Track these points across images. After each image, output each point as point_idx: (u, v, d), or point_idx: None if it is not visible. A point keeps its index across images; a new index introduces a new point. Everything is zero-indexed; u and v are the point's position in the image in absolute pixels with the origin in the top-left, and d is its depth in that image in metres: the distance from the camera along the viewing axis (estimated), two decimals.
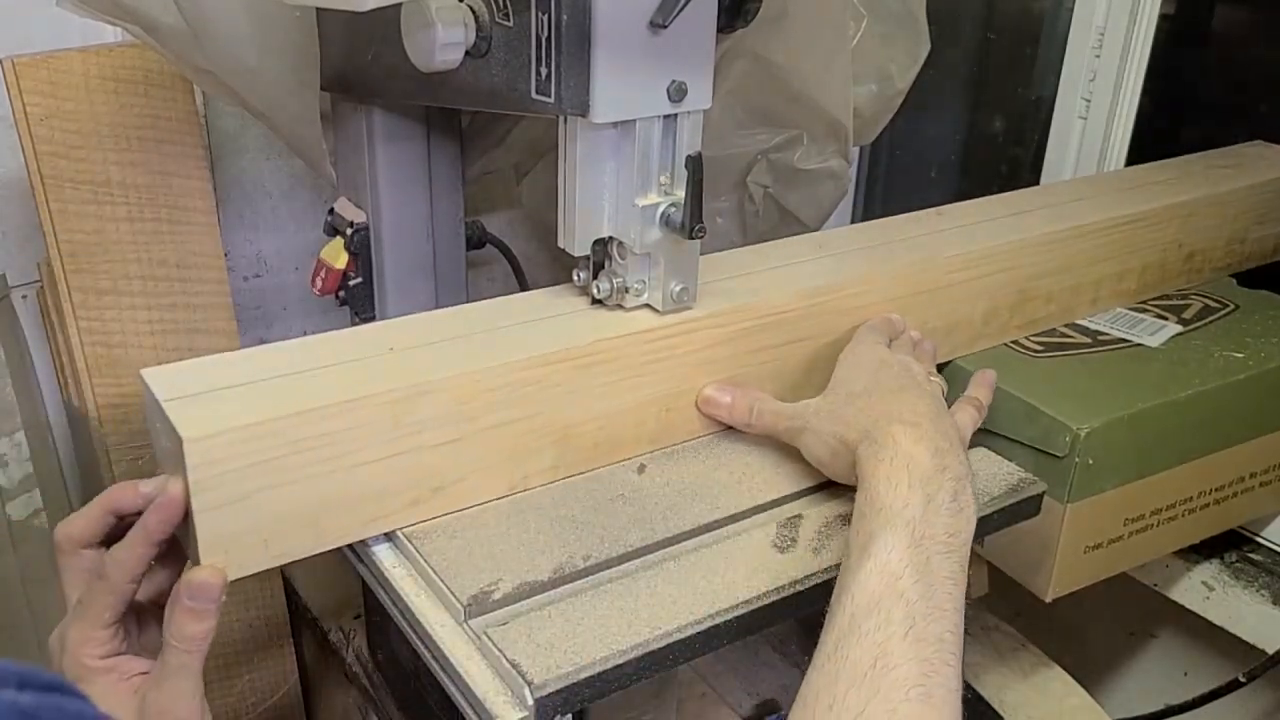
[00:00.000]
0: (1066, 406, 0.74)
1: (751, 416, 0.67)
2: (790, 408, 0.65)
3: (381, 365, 0.58)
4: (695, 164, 0.60)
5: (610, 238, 0.65)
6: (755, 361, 0.69)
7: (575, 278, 0.68)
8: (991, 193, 0.88)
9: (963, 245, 0.78)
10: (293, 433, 0.53)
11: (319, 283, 0.85)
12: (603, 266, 0.66)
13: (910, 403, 0.59)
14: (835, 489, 0.65)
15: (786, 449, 0.68)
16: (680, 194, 0.62)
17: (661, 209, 0.63)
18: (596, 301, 0.67)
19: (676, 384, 0.67)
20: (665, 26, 0.56)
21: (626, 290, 0.65)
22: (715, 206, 0.92)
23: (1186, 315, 0.88)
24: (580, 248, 0.64)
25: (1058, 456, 0.72)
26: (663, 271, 0.65)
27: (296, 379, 0.56)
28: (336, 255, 0.84)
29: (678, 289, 0.65)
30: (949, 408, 0.65)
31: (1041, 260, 0.81)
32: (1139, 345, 0.83)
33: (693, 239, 0.62)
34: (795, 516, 0.63)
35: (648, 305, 0.67)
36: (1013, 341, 0.82)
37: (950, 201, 0.86)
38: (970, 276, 0.78)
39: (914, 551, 0.51)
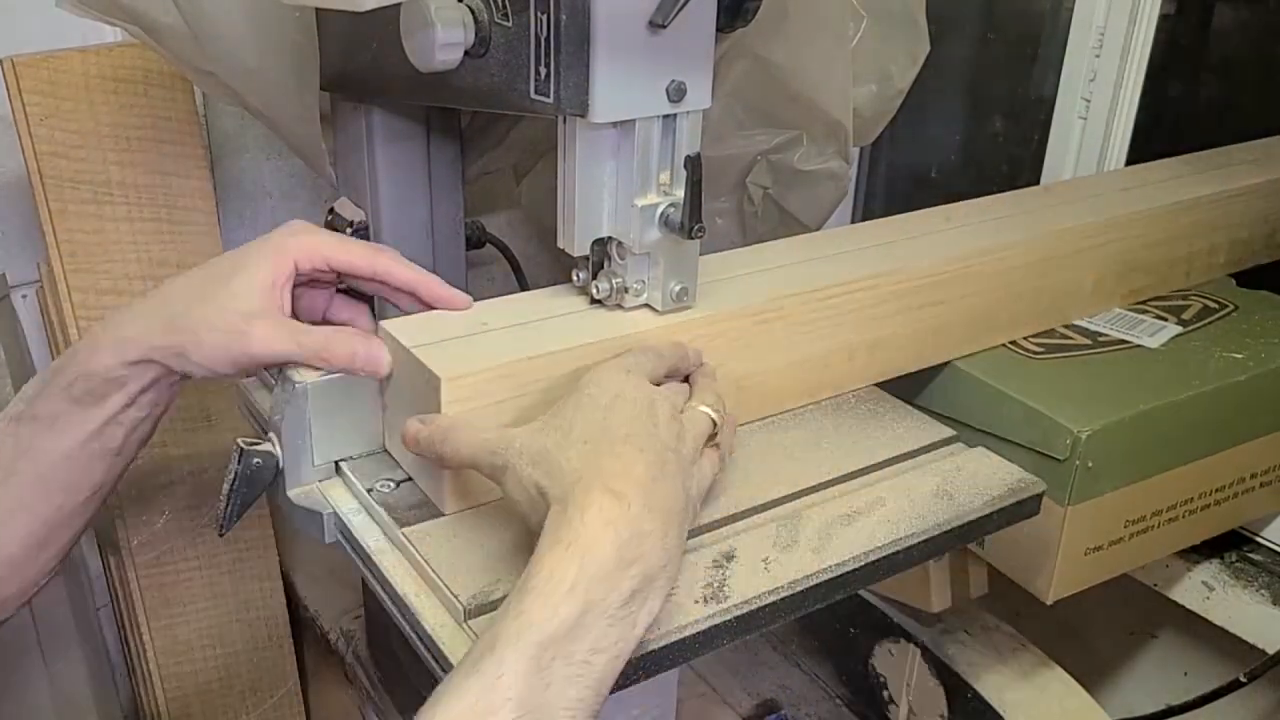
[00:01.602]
0: (1067, 409, 0.74)
1: (445, 447, 0.56)
2: (496, 438, 0.54)
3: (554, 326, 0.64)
4: (694, 164, 0.60)
5: (609, 238, 0.65)
6: (904, 322, 0.74)
7: (574, 278, 0.68)
8: (991, 193, 0.88)
9: (1076, 218, 0.83)
10: (521, 375, 0.60)
11: None
12: (602, 267, 0.66)
13: (626, 461, 0.50)
14: (836, 487, 0.65)
15: (785, 449, 0.68)
16: (679, 194, 0.62)
17: (661, 209, 0.63)
18: (595, 301, 0.67)
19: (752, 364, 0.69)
20: (664, 26, 0.56)
21: (626, 290, 0.65)
22: (715, 208, 0.92)
23: (1186, 316, 0.88)
24: (579, 248, 0.64)
25: (1058, 459, 0.72)
26: (662, 271, 0.65)
27: (502, 333, 0.63)
28: None
29: (677, 289, 0.65)
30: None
31: (1146, 233, 0.86)
32: (1139, 346, 0.83)
33: (692, 239, 0.62)
34: (794, 515, 0.63)
35: (647, 305, 0.66)
36: (1012, 343, 0.82)
37: (949, 200, 0.86)
38: (1084, 247, 0.83)
39: (530, 679, 0.44)
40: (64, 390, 0.63)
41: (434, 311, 0.65)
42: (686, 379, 0.63)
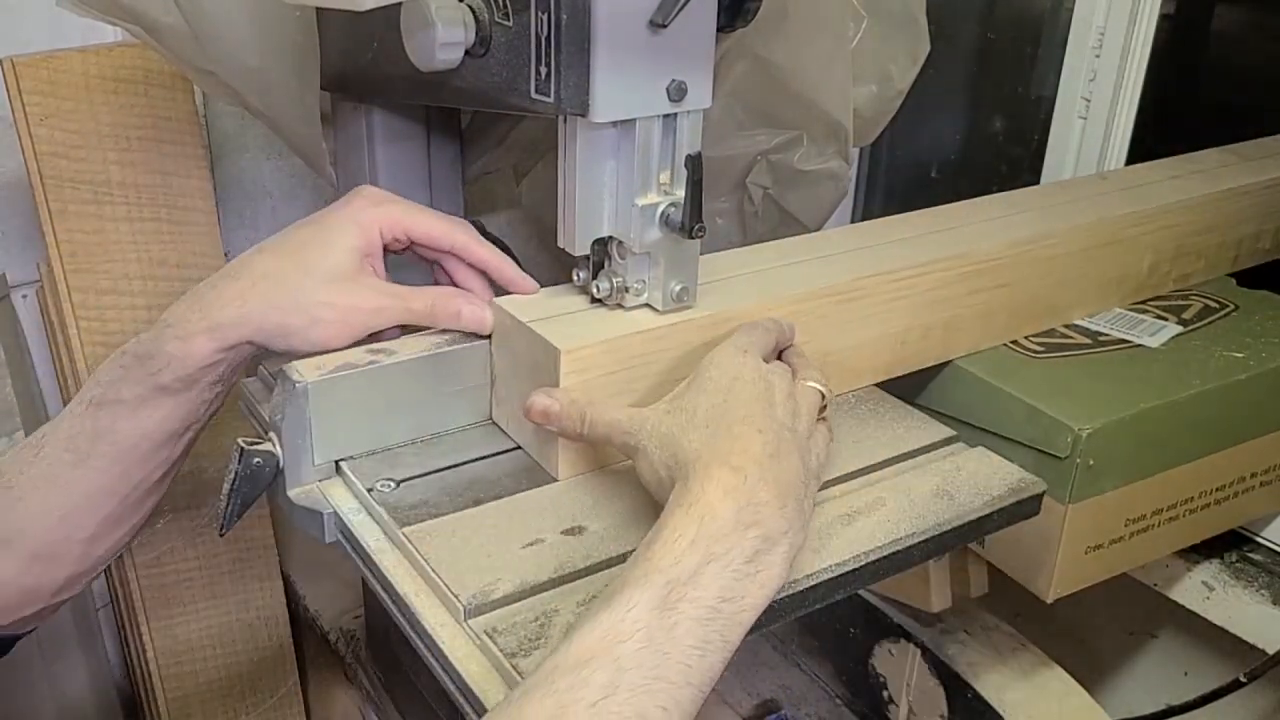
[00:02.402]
0: (1067, 407, 0.74)
1: (584, 426, 0.59)
2: (629, 420, 0.57)
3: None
4: (695, 163, 0.60)
5: (610, 237, 0.65)
6: (967, 304, 0.78)
7: (575, 277, 0.68)
8: (990, 193, 0.88)
9: (1135, 203, 0.86)
10: (623, 350, 0.63)
11: None
12: (602, 266, 0.66)
13: (744, 441, 0.53)
14: (836, 487, 0.65)
15: None
16: (680, 194, 0.62)
17: (661, 209, 0.63)
18: (596, 301, 0.67)
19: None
20: (665, 26, 0.56)
21: (626, 290, 0.65)
22: (715, 207, 0.92)
23: (1186, 316, 0.89)
24: (580, 247, 0.64)
25: (1059, 457, 0.72)
26: (662, 271, 0.65)
27: (592, 314, 0.66)
28: None
29: (677, 288, 0.65)
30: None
31: (1198, 219, 0.89)
32: (1139, 346, 0.83)
33: (692, 239, 0.62)
34: None
35: (647, 305, 0.66)
36: (1013, 342, 0.82)
37: (950, 200, 0.86)
38: (1143, 231, 0.86)
39: (659, 615, 0.46)
40: (150, 377, 0.62)
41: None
42: (780, 355, 0.65)
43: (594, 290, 0.66)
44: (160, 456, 0.66)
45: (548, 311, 0.66)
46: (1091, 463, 0.72)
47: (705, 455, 0.53)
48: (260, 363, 0.73)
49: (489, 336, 0.67)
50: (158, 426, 0.64)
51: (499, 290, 0.69)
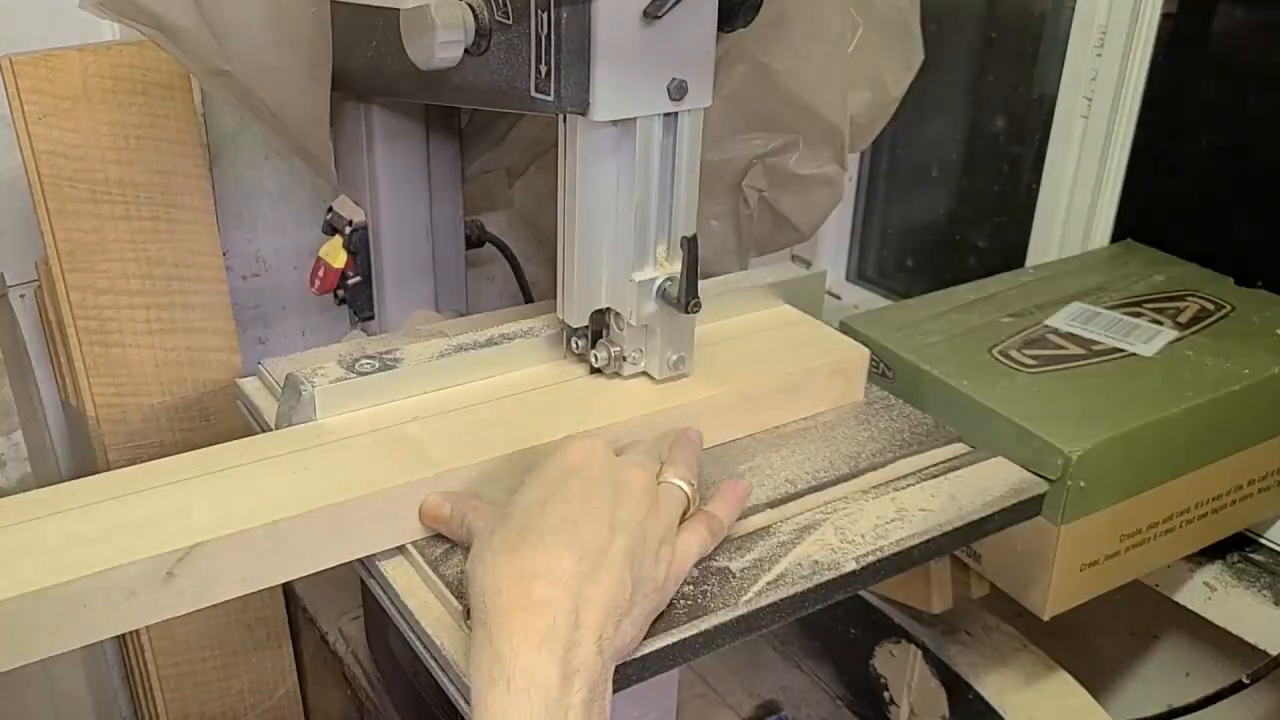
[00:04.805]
0: (1058, 428, 0.73)
1: (462, 530, 0.55)
2: (483, 523, 0.53)
3: None
4: (691, 244, 0.61)
5: (608, 309, 0.66)
6: None
7: (574, 346, 0.69)
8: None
9: None
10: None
11: (317, 281, 0.85)
12: (600, 336, 0.68)
13: (553, 558, 0.47)
14: (837, 487, 0.65)
15: (785, 449, 0.68)
16: (676, 268, 0.63)
17: (658, 283, 0.64)
18: (595, 370, 0.68)
19: None
20: (659, 17, 0.56)
21: (624, 359, 0.67)
22: (710, 210, 0.92)
23: (1182, 319, 0.88)
24: (578, 319, 0.66)
25: (1050, 479, 0.71)
26: (659, 341, 0.66)
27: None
28: (335, 254, 0.84)
29: (674, 358, 0.67)
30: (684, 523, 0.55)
31: None
32: (1132, 355, 0.82)
33: (688, 314, 0.63)
34: (794, 515, 0.62)
35: (644, 373, 0.68)
36: (1004, 355, 0.82)
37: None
38: None
39: None
40: None
41: None
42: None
43: (592, 359, 0.68)
44: None
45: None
46: (1083, 484, 0.72)
47: (506, 583, 0.47)
48: (260, 362, 0.73)
49: None
50: None
51: None
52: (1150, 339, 0.84)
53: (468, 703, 0.51)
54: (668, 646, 0.53)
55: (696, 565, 0.56)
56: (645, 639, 0.52)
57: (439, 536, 0.59)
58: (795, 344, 0.75)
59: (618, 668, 0.50)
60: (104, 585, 0.49)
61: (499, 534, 0.50)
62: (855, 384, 0.74)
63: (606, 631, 0.47)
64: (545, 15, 0.56)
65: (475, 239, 0.93)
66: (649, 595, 0.51)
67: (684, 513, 0.56)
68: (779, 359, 0.72)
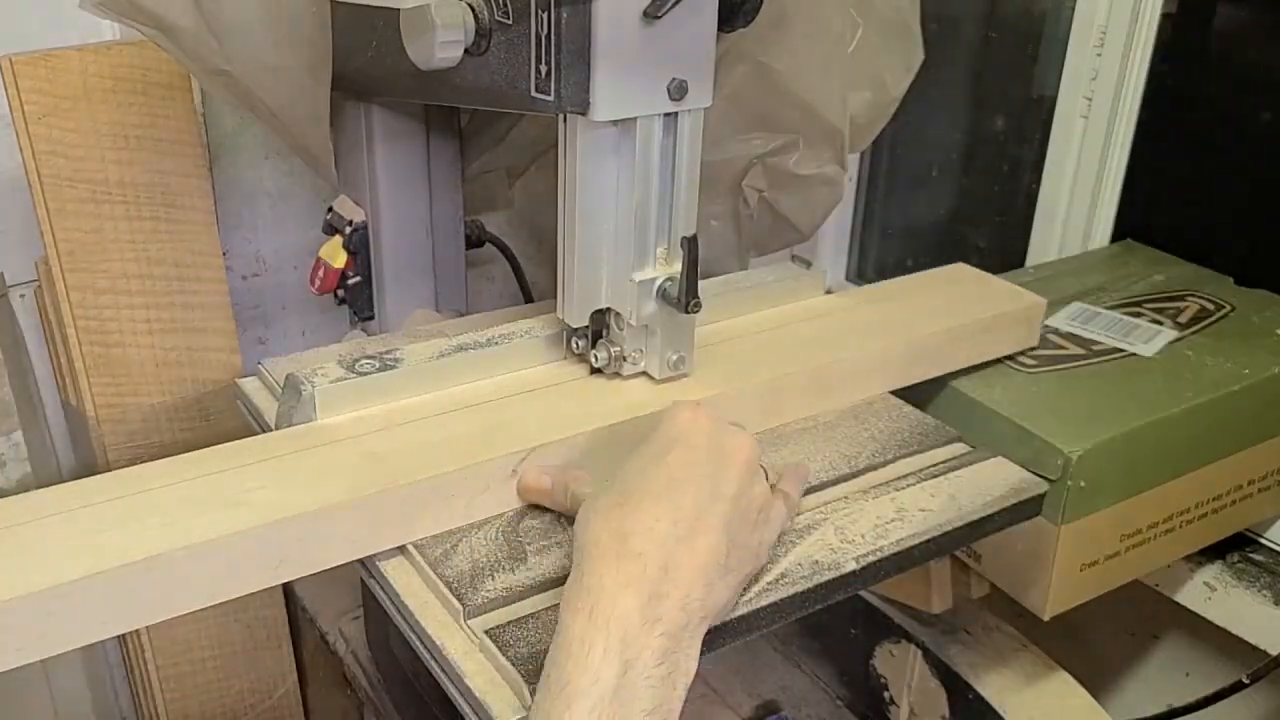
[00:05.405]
0: (1058, 428, 0.73)
1: (566, 499, 0.58)
2: (595, 483, 0.56)
3: None
4: (691, 244, 0.61)
5: (608, 308, 0.66)
6: None
7: (574, 346, 0.69)
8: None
9: None
10: None
11: (317, 281, 0.85)
12: (600, 336, 0.68)
13: (651, 518, 0.49)
14: (838, 487, 0.65)
15: (786, 449, 0.68)
16: (676, 268, 0.63)
17: (658, 284, 0.64)
18: (595, 370, 0.68)
19: None
20: (659, 17, 0.56)
21: (624, 359, 0.67)
22: (710, 210, 0.92)
23: (1182, 319, 0.88)
24: (578, 319, 0.66)
25: (1050, 479, 0.71)
26: (659, 341, 0.66)
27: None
28: (335, 254, 0.84)
29: (674, 358, 0.67)
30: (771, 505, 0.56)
31: None
32: (1133, 355, 0.82)
33: (689, 314, 0.63)
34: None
35: (644, 373, 0.68)
36: (1008, 358, 0.82)
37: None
38: None
39: None
40: None
41: None
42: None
43: (592, 359, 0.68)
44: None
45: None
46: (1083, 484, 0.72)
47: (605, 537, 0.49)
48: (260, 362, 0.73)
49: None
50: None
51: None
52: (1150, 339, 0.84)
53: (467, 701, 0.51)
54: None
55: None
56: None
57: (439, 537, 0.59)
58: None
59: None
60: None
61: (604, 496, 0.52)
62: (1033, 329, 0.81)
63: (695, 591, 0.48)
64: (545, 15, 0.56)
65: (475, 239, 0.93)
66: (745, 561, 0.53)
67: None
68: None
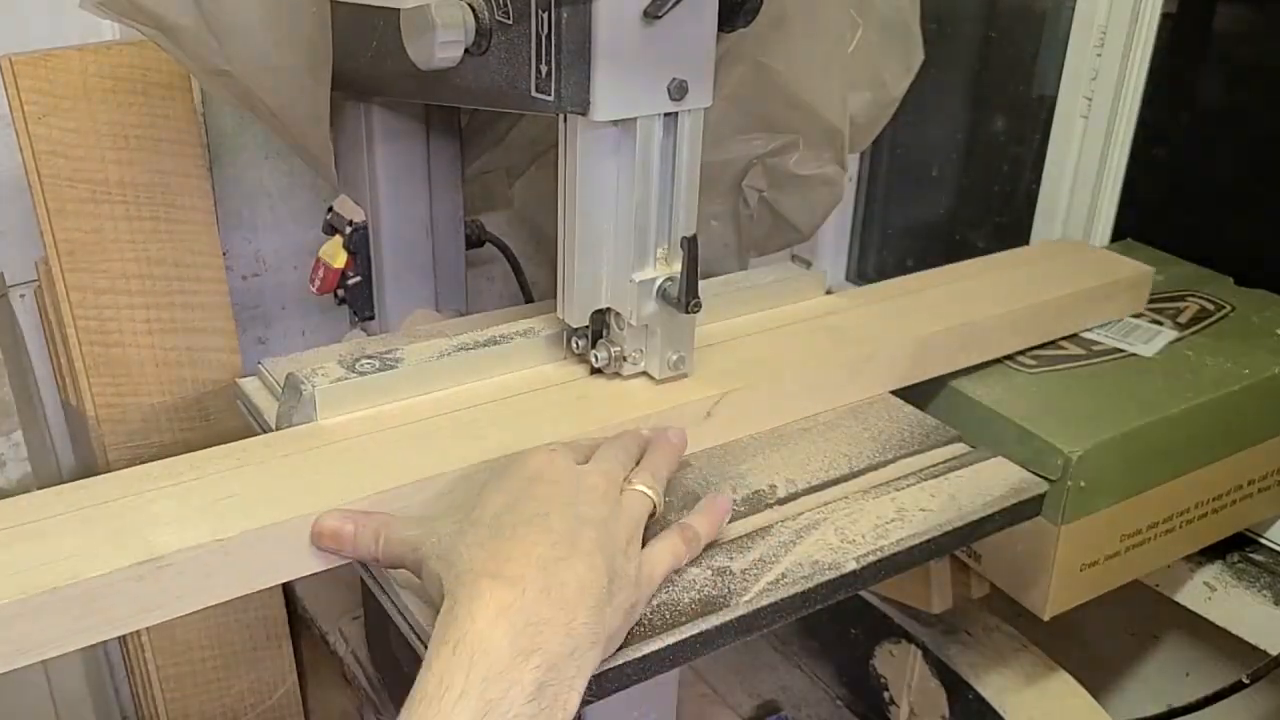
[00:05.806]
0: (1058, 429, 0.73)
1: (378, 548, 0.53)
2: (417, 534, 0.52)
3: None
4: (691, 244, 0.61)
5: (608, 309, 0.66)
6: None
7: (574, 346, 0.69)
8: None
9: None
10: None
11: (317, 281, 0.85)
12: (601, 336, 0.68)
13: (527, 544, 0.47)
14: (838, 487, 0.65)
15: (786, 449, 0.68)
16: (676, 268, 0.63)
17: (658, 284, 0.64)
18: (595, 370, 0.68)
19: None
20: (659, 17, 0.56)
21: (624, 359, 0.67)
22: (710, 211, 0.92)
23: (1182, 319, 0.88)
24: (579, 319, 0.66)
25: (1050, 479, 0.71)
26: (660, 341, 0.66)
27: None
28: (335, 254, 0.84)
29: (674, 358, 0.67)
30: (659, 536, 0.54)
31: None
32: (1133, 355, 0.82)
33: (688, 314, 0.63)
34: (794, 515, 0.62)
35: (644, 373, 0.68)
36: (1008, 358, 0.82)
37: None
38: None
39: None
40: None
41: None
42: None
43: (593, 359, 0.68)
44: None
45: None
46: (1083, 484, 0.72)
47: (477, 565, 0.46)
48: (260, 362, 0.73)
49: None
50: None
51: None
52: (1150, 339, 0.84)
53: None
54: (668, 646, 0.53)
55: (677, 572, 0.55)
56: (645, 639, 0.52)
57: None
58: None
59: (616, 667, 0.50)
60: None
61: (469, 534, 0.49)
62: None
63: (582, 616, 0.46)
64: (545, 15, 0.56)
65: (475, 239, 0.93)
66: (625, 588, 0.50)
67: (651, 516, 0.55)
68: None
